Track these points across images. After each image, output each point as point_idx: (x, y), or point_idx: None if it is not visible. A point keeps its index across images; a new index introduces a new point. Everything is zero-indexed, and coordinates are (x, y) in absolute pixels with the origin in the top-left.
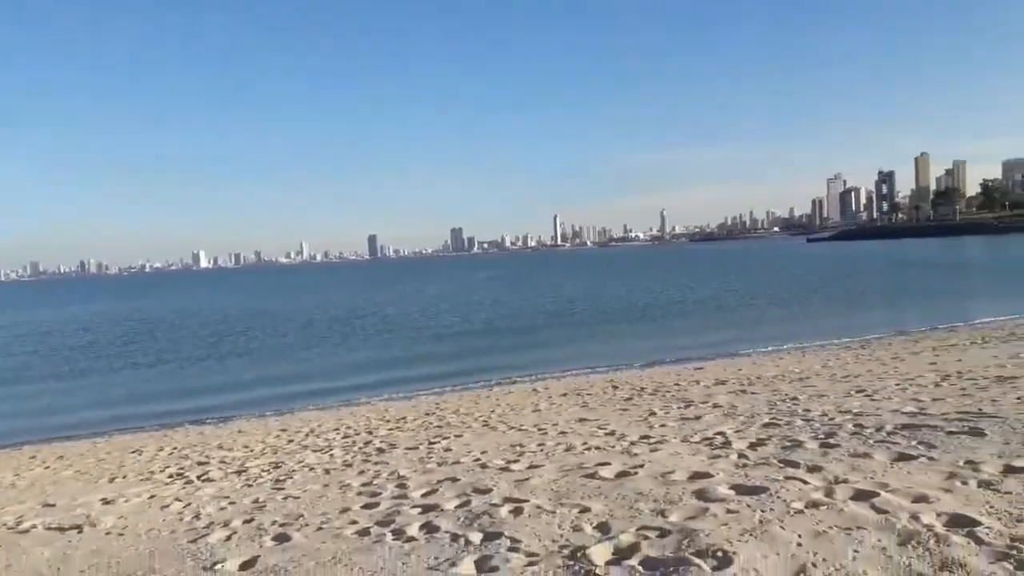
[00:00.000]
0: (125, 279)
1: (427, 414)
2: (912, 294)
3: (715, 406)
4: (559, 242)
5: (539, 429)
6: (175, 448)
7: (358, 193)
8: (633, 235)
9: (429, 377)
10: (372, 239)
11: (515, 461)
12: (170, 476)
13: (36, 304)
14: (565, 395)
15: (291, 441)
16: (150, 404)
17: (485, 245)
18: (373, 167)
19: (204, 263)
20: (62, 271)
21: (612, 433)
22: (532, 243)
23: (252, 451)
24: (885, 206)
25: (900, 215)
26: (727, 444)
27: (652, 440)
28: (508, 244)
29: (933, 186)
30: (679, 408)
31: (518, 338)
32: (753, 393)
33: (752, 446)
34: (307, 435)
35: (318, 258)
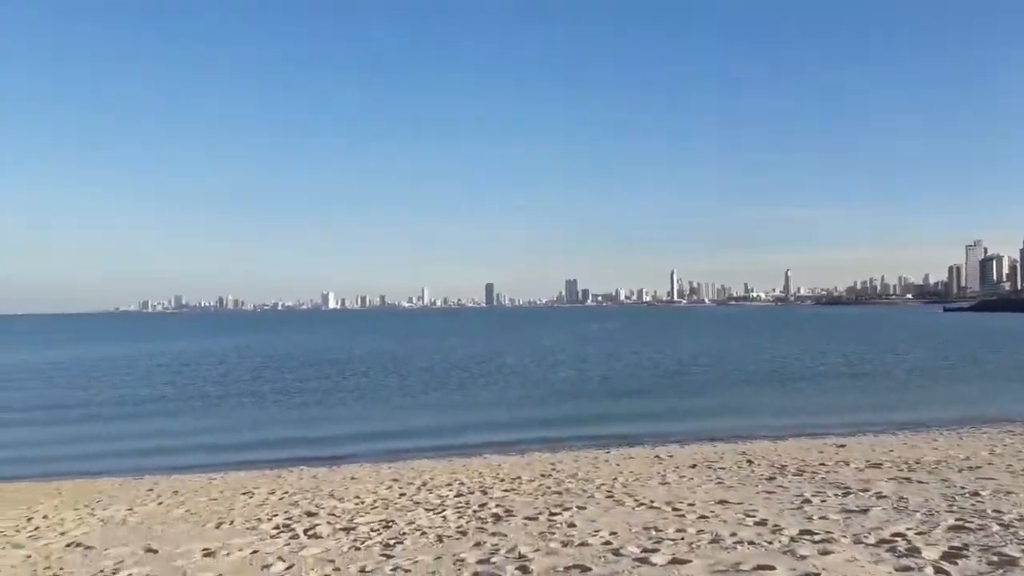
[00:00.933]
0: (259, 315)
1: (543, 475)
2: None
3: (879, 496)
4: (675, 298)
5: (673, 508)
6: (286, 492)
7: (477, 242)
8: (754, 295)
9: (543, 431)
10: (489, 287)
11: (653, 551)
12: (276, 527)
13: (178, 335)
14: (694, 466)
15: (403, 495)
16: (270, 439)
17: (599, 298)
18: (490, 217)
19: (332, 304)
20: (202, 305)
21: (764, 523)
22: (647, 298)
23: (363, 503)
24: None
25: None
26: (914, 551)
27: (816, 538)
28: (623, 298)
29: None
30: (836, 496)
31: (635, 396)
32: (920, 482)
33: (947, 557)
34: (419, 488)
35: (438, 303)
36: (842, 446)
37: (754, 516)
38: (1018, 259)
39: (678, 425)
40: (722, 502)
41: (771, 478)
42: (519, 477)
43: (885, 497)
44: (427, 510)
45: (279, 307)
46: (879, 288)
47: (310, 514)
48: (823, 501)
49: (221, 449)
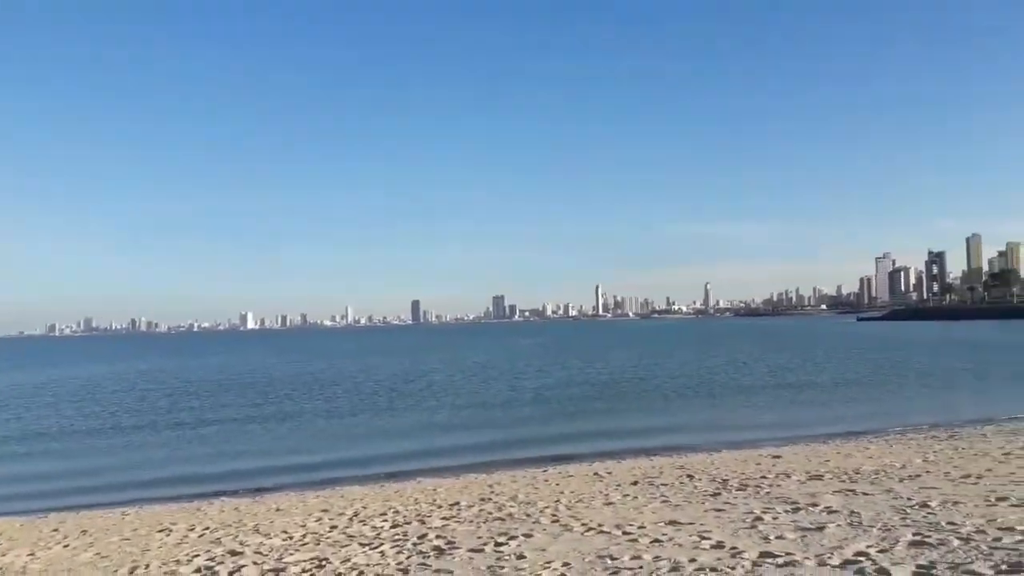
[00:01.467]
0: (174, 337)
1: (482, 499)
2: (987, 378)
3: (830, 511)
4: (600, 312)
5: (624, 532)
6: (207, 528)
7: (402, 258)
8: (676, 308)
9: (477, 450)
10: (415, 304)
11: None
12: (197, 570)
13: (87, 359)
14: (636, 483)
15: (334, 527)
16: (187, 469)
17: (527, 313)
18: (416, 232)
19: (251, 324)
20: (113, 327)
21: (720, 546)
22: (573, 312)
23: (291, 539)
24: (936, 287)
25: (952, 296)
26: (883, 572)
27: (779, 560)
28: (549, 313)
29: (985, 267)
30: (786, 512)
31: (570, 412)
32: (866, 495)
33: None
34: (351, 519)
35: (362, 321)
36: (778, 457)
37: (709, 538)
38: (924, 270)
39: (614, 441)
40: (672, 523)
41: (716, 494)
42: (457, 502)
43: (836, 512)
44: (362, 545)
45: (195, 328)
46: (795, 300)
47: (234, 553)
48: (775, 518)
49: (136, 484)
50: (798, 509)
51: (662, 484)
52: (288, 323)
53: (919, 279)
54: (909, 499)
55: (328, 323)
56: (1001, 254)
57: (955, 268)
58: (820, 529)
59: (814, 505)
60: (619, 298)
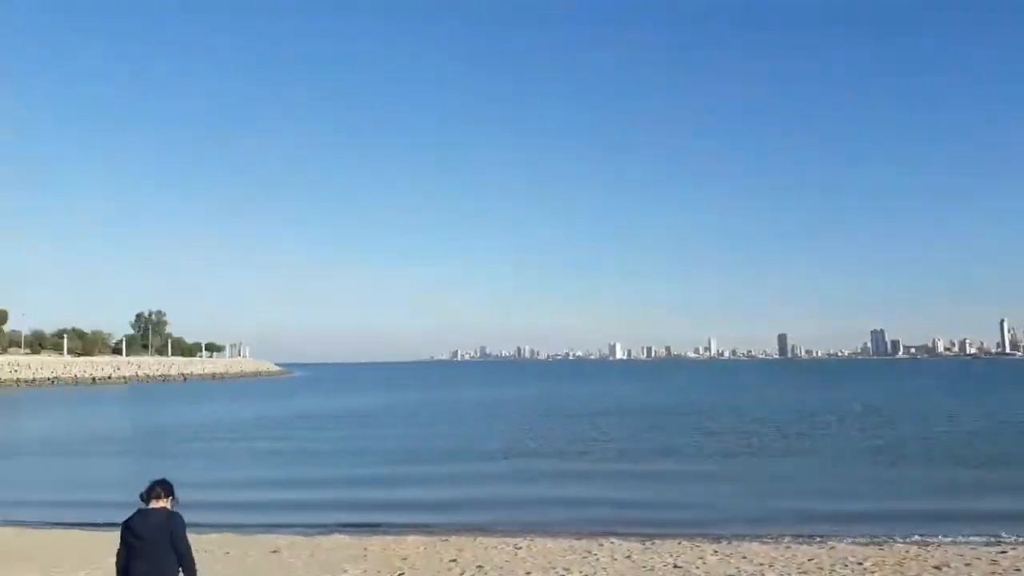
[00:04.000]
0: (551, 364)
1: None
2: None
3: None
4: (1007, 350)
5: None
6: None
7: (768, 290)
8: None
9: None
10: (782, 337)
11: None
12: None
13: (483, 384)
14: None
15: None
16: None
17: (912, 350)
18: (782, 264)
19: (619, 355)
20: (503, 354)
21: None
22: (972, 349)
23: None
24: None
25: None
26: None
27: None
28: (941, 349)
29: None
30: None
31: None
32: None
33: None
34: None
35: (726, 354)
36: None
37: None
38: None
39: None
40: None
41: None
42: None
43: None
44: None
45: (570, 357)
46: None
47: None
48: None
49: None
50: None
51: None
52: (652, 354)
53: None
54: None
55: (691, 355)
56: None
57: None
58: None
59: None
60: None
